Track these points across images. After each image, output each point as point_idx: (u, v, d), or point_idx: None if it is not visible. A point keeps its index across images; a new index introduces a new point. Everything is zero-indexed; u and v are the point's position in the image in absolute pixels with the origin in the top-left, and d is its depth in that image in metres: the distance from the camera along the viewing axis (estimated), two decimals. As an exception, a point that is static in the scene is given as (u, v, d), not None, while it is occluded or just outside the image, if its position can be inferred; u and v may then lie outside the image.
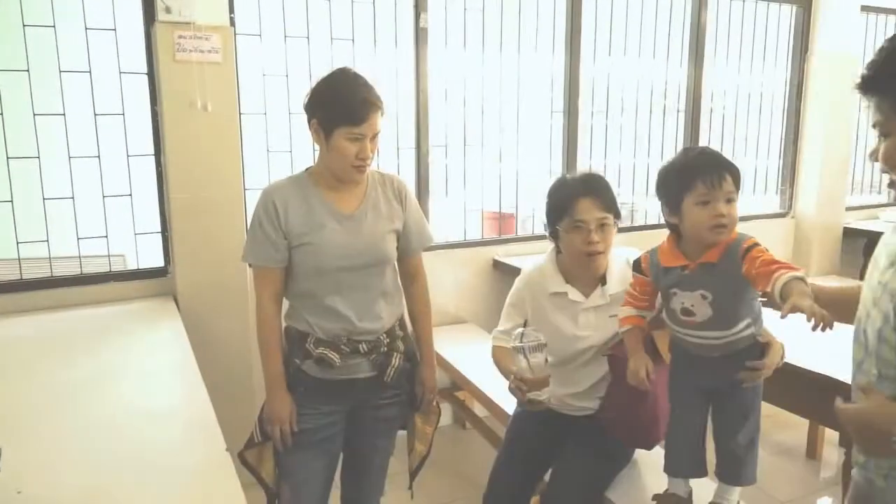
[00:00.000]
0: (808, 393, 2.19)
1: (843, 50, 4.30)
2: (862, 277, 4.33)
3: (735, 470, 1.64)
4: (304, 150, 2.97)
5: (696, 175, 1.50)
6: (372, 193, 1.84)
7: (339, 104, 1.68)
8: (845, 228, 4.57)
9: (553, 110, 3.74)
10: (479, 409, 3.14)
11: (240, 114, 2.80)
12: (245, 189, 2.85)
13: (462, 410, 3.37)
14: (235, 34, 2.76)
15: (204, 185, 2.71)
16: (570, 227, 1.83)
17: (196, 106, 2.61)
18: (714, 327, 1.54)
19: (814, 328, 1.22)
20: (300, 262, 1.78)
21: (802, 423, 3.18)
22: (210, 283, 2.75)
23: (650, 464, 1.97)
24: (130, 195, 2.81)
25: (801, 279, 1.33)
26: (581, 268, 1.89)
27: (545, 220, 1.97)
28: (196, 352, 2.16)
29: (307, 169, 1.85)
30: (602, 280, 1.90)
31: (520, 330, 1.76)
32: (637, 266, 1.69)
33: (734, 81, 4.27)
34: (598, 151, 3.89)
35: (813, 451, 3.16)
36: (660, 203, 1.62)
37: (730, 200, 1.50)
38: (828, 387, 1.99)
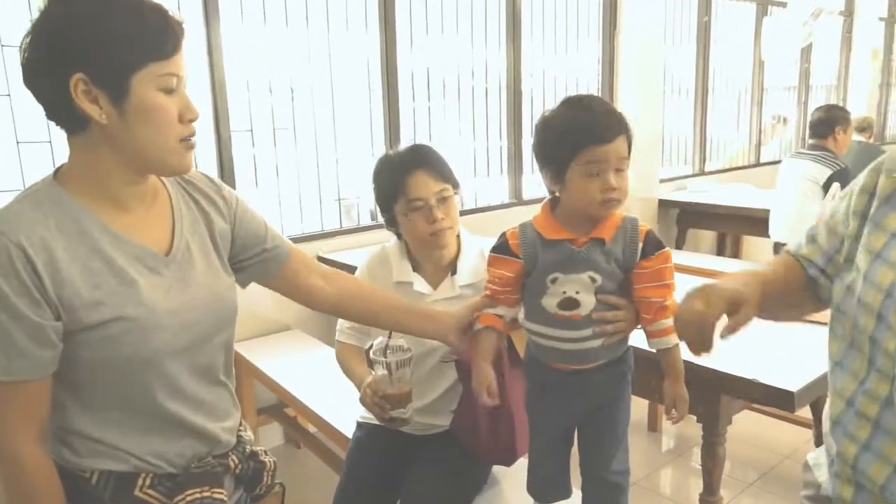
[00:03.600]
0: (644, 374, 2.10)
1: (647, 27, 4.44)
2: (678, 247, 4.39)
3: None
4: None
5: (582, 139, 1.20)
6: (181, 208, 1.14)
7: (127, 29, 0.96)
8: (660, 200, 4.75)
9: (371, 90, 3.44)
10: (312, 427, 2.78)
11: (-30, 95, 2.19)
12: (-12, 192, 2.24)
13: (293, 429, 2.99)
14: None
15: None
16: (408, 209, 1.58)
17: None
18: (597, 323, 1.26)
19: (669, 419, 1.30)
20: (100, 358, 1.01)
21: (642, 398, 3.18)
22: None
23: (512, 480, 1.74)
24: None
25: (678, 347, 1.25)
26: (428, 250, 1.64)
27: (377, 208, 1.68)
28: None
29: (56, 174, 1.04)
30: (452, 269, 1.66)
31: (381, 339, 1.45)
32: (502, 247, 1.31)
33: (552, 61, 4.24)
34: (423, 134, 3.65)
35: (654, 424, 3.17)
36: (539, 167, 1.29)
37: (620, 170, 1.22)
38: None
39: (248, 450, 1.23)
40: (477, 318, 1.36)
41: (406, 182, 1.57)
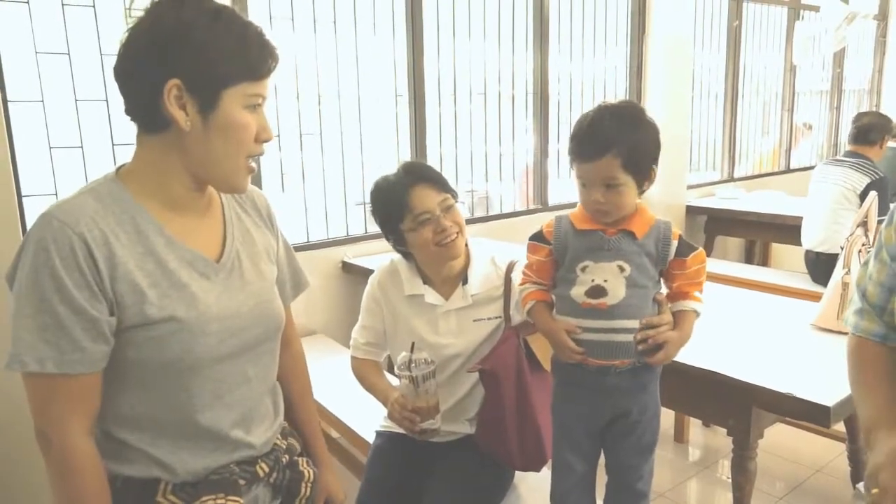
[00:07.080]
0: (670, 383, 2.06)
1: (677, 31, 4.39)
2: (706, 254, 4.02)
3: None
4: (98, 145, 2.45)
5: (572, 153, 1.31)
6: (232, 218, 1.15)
7: (230, 47, 0.98)
8: (687, 207, 4.69)
9: (398, 95, 3.44)
10: (335, 432, 2.78)
11: (5, 101, 2.23)
12: (21, 195, 2.29)
13: (317, 434, 2.99)
14: (-10, -2, 2.19)
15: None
16: (415, 224, 1.59)
17: (-63, 90, 2.02)
18: (626, 313, 1.29)
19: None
20: (144, 359, 1.01)
21: (668, 409, 3.13)
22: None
23: (531, 487, 1.72)
24: None
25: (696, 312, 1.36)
26: (439, 262, 1.65)
27: (381, 230, 1.70)
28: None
29: (119, 171, 1.05)
30: (463, 279, 1.67)
31: (405, 354, 1.50)
32: (537, 235, 1.41)
33: (579, 65, 4.21)
34: (448, 140, 3.64)
35: (681, 434, 3.12)
36: None
37: (609, 186, 1.27)
38: (691, 377, 1.87)
39: (285, 459, 1.20)
40: (525, 297, 1.43)
41: (409, 199, 1.59)
